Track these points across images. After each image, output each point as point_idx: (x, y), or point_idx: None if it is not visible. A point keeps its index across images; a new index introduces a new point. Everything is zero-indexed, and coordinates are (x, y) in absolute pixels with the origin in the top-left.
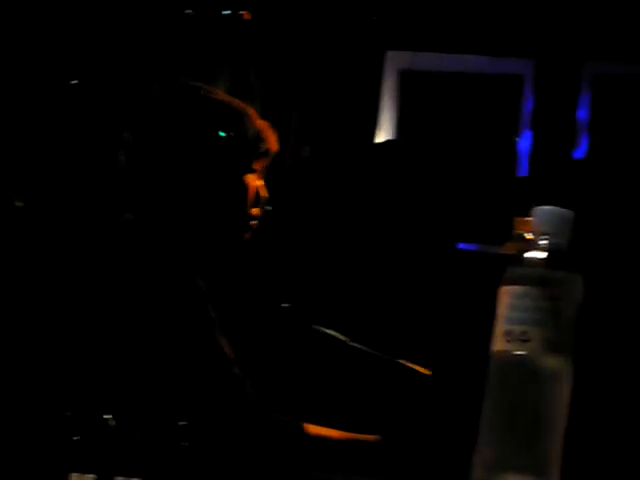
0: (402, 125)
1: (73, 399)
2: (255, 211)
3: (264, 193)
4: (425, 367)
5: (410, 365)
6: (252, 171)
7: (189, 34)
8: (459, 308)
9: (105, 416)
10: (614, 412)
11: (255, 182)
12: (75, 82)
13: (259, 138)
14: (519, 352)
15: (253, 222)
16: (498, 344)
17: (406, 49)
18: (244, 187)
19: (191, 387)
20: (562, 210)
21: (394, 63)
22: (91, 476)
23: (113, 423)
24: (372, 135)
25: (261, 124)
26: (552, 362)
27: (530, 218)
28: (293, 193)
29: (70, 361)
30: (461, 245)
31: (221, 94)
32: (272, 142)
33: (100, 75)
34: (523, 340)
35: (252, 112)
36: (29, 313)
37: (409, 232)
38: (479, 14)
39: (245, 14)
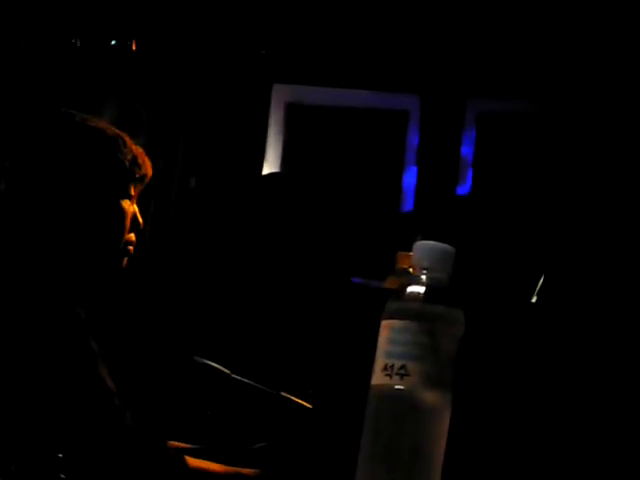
0: (288, 158)
1: None
2: (131, 237)
3: (140, 219)
4: (306, 400)
5: (291, 398)
6: (129, 197)
7: (76, 64)
8: (341, 341)
9: None
10: (492, 447)
11: (131, 208)
12: None
13: (135, 163)
14: (398, 386)
15: (130, 247)
16: (377, 378)
17: (293, 82)
18: (121, 212)
19: (71, 419)
20: (442, 245)
21: (281, 96)
22: None
23: None
24: (259, 167)
25: (137, 150)
26: (431, 396)
27: (411, 253)
28: (179, 223)
29: None
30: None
31: (96, 121)
32: (148, 167)
33: None
34: (402, 374)
35: (127, 139)
36: None
37: (292, 264)
38: (366, 49)
39: (132, 45)
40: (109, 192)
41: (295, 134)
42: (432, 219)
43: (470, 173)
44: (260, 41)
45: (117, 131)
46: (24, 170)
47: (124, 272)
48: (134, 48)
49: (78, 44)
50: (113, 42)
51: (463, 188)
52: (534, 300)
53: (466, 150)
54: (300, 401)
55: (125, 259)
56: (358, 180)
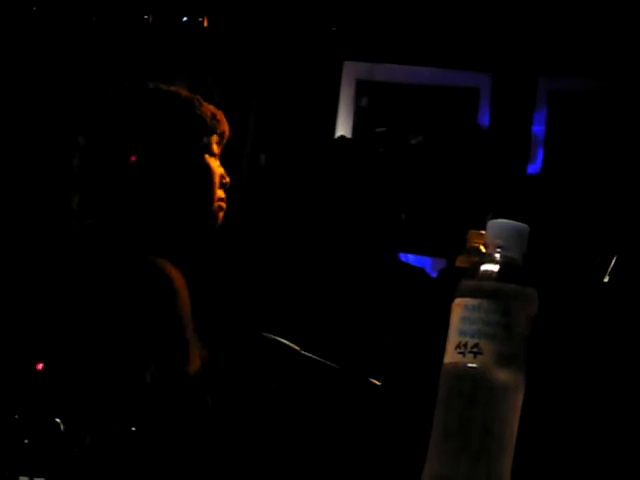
0: (358, 135)
1: (23, 402)
2: (220, 193)
3: (226, 176)
4: (376, 378)
5: (362, 375)
6: (212, 153)
7: (149, 39)
8: (413, 319)
9: (55, 419)
10: (566, 426)
11: (216, 164)
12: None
13: (215, 118)
14: (471, 365)
15: (222, 203)
16: (450, 356)
17: (364, 59)
18: (208, 168)
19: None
20: (516, 223)
21: (351, 73)
22: None
23: (63, 427)
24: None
25: (213, 108)
26: (504, 375)
27: (484, 231)
28: (248, 199)
29: (21, 364)
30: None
31: (167, 86)
32: (225, 124)
33: (56, 79)
34: (475, 353)
35: (201, 99)
36: None
37: (364, 242)
38: (437, 26)
39: (204, 21)
40: (194, 149)
41: (365, 111)
42: (503, 198)
43: (541, 152)
44: (331, 18)
45: (190, 93)
46: (104, 141)
47: (220, 228)
48: (205, 24)
49: (150, 20)
50: (185, 18)
51: (534, 167)
52: (606, 279)
53: (537, 129)
54: (370, 378)
55: (220, 214)
56: (428, 158)
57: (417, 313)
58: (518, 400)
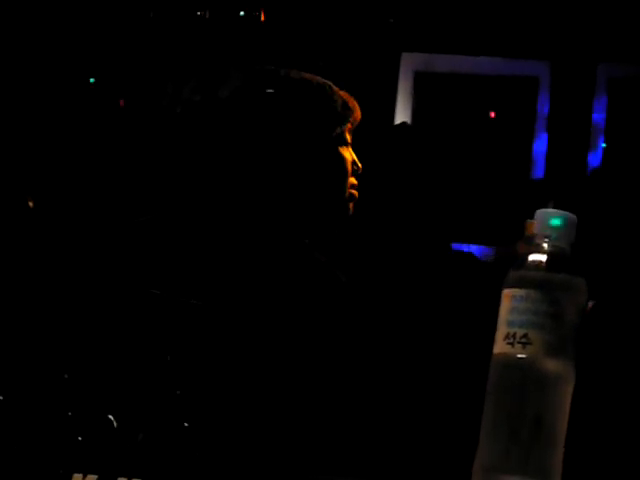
0: (417, 126)
1: (76, 399)
2: (352, 181)
3: (358, 163)
4: (426, 370)
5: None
6: (345, 142)
7: (205, 34)
8: (462, 309)
9: (108, 416)
10: (616, 417)
11: (348, 152)
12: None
13: (346, 107)
14: (520, 355)
15: (353, 191)
16: (499, 346)
17: (421, 51)
18: (341, 159)
19: None
20: (564, 213)
21: (409, 64)
22: (94, 477)
23: (116, 424)
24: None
25: (344, 94)
26: (554, 366)
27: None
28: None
29: (75, 360)
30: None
31: (298, 72)
32: (357, 110)
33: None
34: (524, 343)
35: (332, 85)
36: (33, 311)
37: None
38: (495, 15)
39: (260, 14)
40: (327, 140)
41: (424, 102)
42: (563, 186)
43: (601, 140)
44: (388, 10)
45: (321, 79)
46: (237, 129)
47: (352, 216)
48: (262, 19)
49: (207, 15)
50: (242, 13)
51: (594, 155)
52: None
53: (597, 116)
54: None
55: (351, 204)
56: (488, 147)
57: (468, 300)
58: (568, 390)
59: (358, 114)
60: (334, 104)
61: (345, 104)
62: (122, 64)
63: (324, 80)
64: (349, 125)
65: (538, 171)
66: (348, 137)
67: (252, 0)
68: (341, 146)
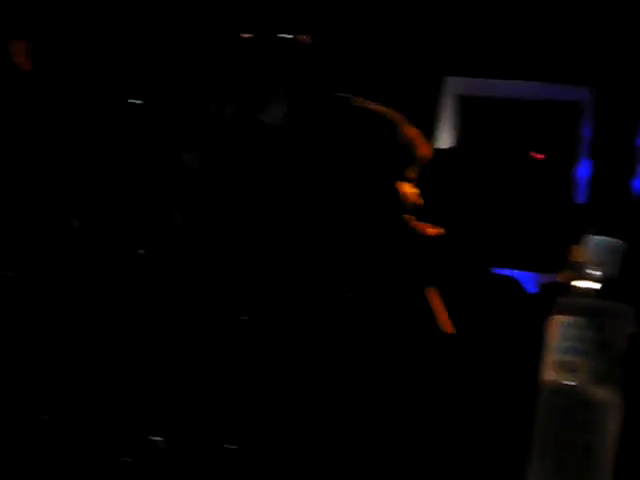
0: (464, 151)
1: (123, 420)
2: (411, 219)
3: (419, 201)
4: (474, 396)
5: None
6: (406, 179)
7: (250, 57)
8: (510, 336)
9: (154, 438)
10: None
11: (410, 190)
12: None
13: (411, 145)
14: (568, 382)
15: (412, 224)
16: (547, 374)
17: (464, 75)
18: (399, 195)
19: None
20: (612, 240)
21: (453, 89)
22: None
23: (163, 445)
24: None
25: (413, 131)
26: (602, 393)
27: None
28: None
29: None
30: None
31: (371, 103)
32: (424, 149)
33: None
34: (572, 370)
35: (402, 119)
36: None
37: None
38: (538, 40)
39: (304, 38)
40: (387, 175)
41: (467, 126)
42: (606, 212)
43: None
44: (432, 34)
45: (394, 113)
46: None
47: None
48: (306, 41)
49: (253, 38)
50: (287, 36)
51: (638, 181)
52: None
53: None
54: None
55: (412, 236)
56: (531, 172)
57: (512, 326)
58: (617, 418)
59: (427, 152)
60: (399, 140)
61: (410, 142)
62: (166, 83)
63: (397, 113)
64: (414, 167)
65: (581, 196)
66: (411, 173)
67: (298, 24)
68: (401, 182)
